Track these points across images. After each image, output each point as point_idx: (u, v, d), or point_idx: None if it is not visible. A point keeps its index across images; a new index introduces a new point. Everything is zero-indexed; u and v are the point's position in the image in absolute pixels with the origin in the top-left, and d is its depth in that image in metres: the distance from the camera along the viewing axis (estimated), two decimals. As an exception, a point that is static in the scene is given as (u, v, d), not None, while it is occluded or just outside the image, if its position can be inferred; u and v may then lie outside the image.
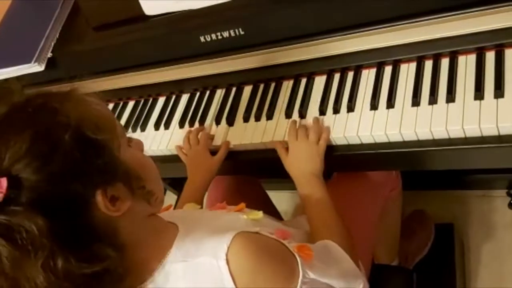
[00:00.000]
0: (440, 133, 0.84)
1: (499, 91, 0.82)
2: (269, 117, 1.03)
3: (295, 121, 0.99)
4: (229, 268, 0.60)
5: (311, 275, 0.67)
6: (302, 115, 0.99)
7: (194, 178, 1.03)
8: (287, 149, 0.95)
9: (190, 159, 1.06)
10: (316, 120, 0.96)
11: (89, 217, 0.56)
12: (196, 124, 1.12)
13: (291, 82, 1.06)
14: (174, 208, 0.99)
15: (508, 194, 1.42)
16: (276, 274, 0.64)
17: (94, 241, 0.57)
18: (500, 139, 0.80)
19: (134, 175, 0.61)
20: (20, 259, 0.52)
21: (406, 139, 0.87)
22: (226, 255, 0.60)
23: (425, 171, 0.95)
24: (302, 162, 0.92)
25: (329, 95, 0.99)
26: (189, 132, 1.09)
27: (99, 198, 0.56)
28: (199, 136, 1.07)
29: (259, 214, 0.78)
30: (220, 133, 1.08)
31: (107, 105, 1.30)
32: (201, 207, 0.98)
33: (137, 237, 0.62)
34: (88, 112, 0.59)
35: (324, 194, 0.89)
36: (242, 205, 0.83)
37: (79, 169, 0.55)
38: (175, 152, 1.12)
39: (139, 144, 0.69)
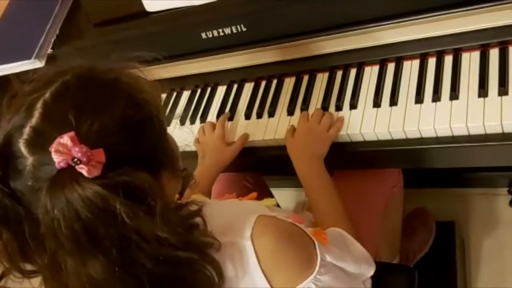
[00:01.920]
0: (443, 131, 0.83)
1: (503, 89, 0.81)
2: (271, 114, 1.03)
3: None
4: (255, 248, 0.61)
5: (328, 258, 0.69)
6: (304, 112, 0.99)
7: (202, 165, 1.02)
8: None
9: (202, 145, 1.05)
10: (330, 113, 0.95)
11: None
12: (197, 121, 1.12)
13: (293, 79, 1.05)
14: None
15: (509, 192, 1.42)
16: (297, 256, 0.65)
17: None
18: (504, 136, 0.80)
19: (175, 156, 0.63)
20: (139, 212, 0.51)
21: (409, 136, 0.87)
22: (251, 235, 0.61)
23: (427, 168, 0.94)
24: (308, 144, 0.91)
25: (332, 92, 0.99)
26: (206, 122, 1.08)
27: (164, 178, 0.58)
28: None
29: (272, 201, 0.79)
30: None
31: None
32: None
33: None
34: (151, 91, 0.59)
35: (328, 179, 0.89)
36: (254, 194, 0.84)
37: (159, 147, 0.57)
38: (175, 150, 1.11)
39: None
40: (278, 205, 1.20)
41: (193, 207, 0.59)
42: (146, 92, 0.57)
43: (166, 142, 0.60)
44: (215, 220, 0.65)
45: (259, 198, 0.81)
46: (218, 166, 1.01)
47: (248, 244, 0.61)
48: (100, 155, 0.50)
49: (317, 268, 0.66)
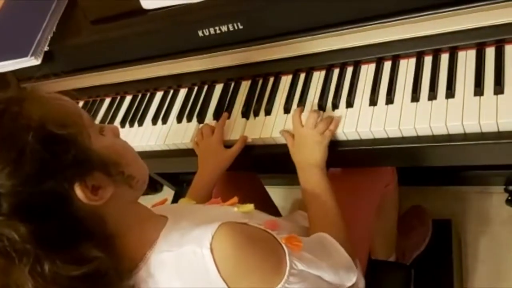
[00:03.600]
0: (439, 129, 0.84)
1: (499, 87, 0.81)
2: (268, 112, 1.03)
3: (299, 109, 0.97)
4: (213, 256, 0.60)
5: (300, 266, 0.67)
6: (301, 110, 0.99)
7: (203, 170, 1.03)
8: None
9: (201, 150, 1.05)
10: (328, 117, 0.94)
11: (74, 211, 0.57)
12: (194, 119, 1.12)
13: (289, 77, 1.05)
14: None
15: (506, 191, 1.43)
16: (262, 263, 0.64)
17: (81, 241, 0.57)
18: (499, 135, 0.80)
19: (110, 161, 0.61)
20: (7, 266, 0.54)
21: (405, 135, 0.87)
22: (211, 243, 0.61)
23: (423, 167, 0.95)
24: (306, 150, 0.91)
25: (328, 90, 0.99)
26: (205, 124, 1.08)
27: (78, 190, 0.57)
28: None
29: (250, 206, 0.77)
30: (218, 128, 1.06)
31: (104, 100, 1.30)
32: (196, 203, 0.96)
33: (123, 225, 0.63)
34: (50, 109, 0.59)
35: (324, 184, 0.88)
36: (235, 199, 0.83)
37: (50, 167, 0.56)
38: (172, 147, 1.11)
39: (114, 130, 0.69)
40: (276, 208, 1.20)
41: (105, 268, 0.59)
42: (35, 118, 0.56)
43: (84, 155, 0.58)
44: (183, 224, 0.66)
45: (249, 202, 0.80)
46: (218, 170, 1.02)
47: (206, 253, 0.60)
48: None
49: (285, 276, 0.65)
